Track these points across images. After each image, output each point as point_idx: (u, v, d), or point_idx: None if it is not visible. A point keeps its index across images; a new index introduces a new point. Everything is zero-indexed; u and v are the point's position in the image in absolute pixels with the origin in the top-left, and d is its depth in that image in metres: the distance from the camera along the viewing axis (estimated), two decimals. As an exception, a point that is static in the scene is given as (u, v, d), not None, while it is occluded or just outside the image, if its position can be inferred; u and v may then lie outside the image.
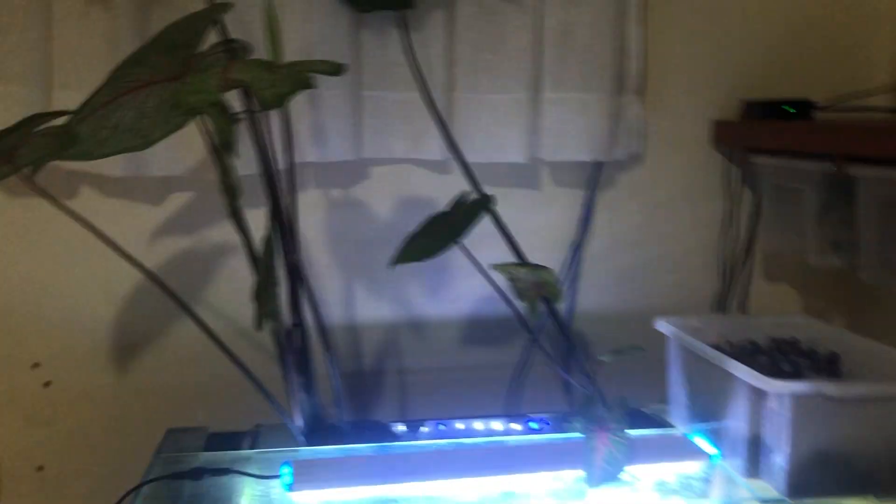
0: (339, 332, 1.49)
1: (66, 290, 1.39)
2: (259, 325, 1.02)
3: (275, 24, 1.12)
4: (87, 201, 1.37)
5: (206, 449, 1.18)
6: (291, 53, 1.28)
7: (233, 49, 1.11)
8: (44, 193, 1.06)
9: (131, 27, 1.25)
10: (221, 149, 0.92)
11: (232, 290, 1.42)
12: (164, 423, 1.32)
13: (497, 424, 1.29)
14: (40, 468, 1.42)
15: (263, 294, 1.00)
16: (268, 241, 1.00)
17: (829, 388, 0.97)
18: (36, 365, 1.40)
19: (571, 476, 1.07)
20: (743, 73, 1.54)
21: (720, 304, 1.58)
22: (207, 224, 1.42)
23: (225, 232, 1.40)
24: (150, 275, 1.13)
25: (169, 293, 1.13)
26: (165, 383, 1.42)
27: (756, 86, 1.53)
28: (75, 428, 1.42)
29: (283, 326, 1.15)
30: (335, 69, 0.89)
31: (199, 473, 1.05)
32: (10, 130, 0.92)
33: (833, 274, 1.50)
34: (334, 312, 1.48)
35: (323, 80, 1.30)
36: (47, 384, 1.41)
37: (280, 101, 0.81)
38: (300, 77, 0.82)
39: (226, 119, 0.86)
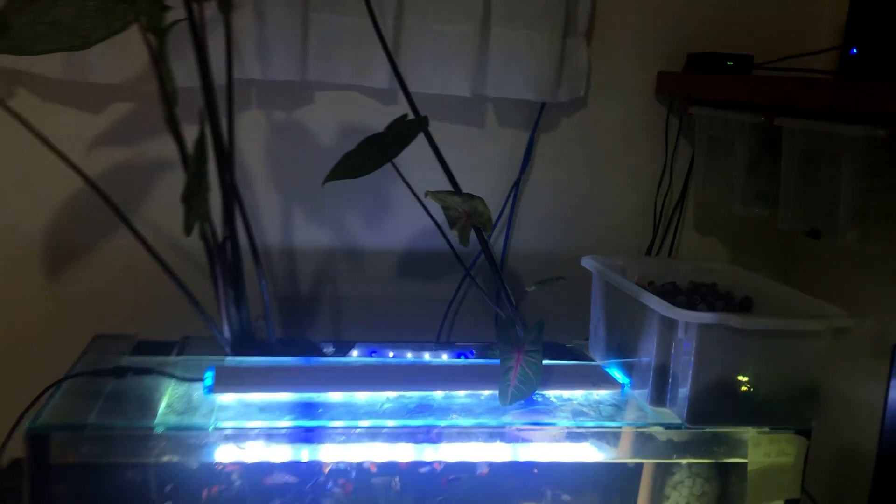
0: (276, 254, 1.51)
1: (3, 198, 1.38)
2: (188, 229, 1.03)
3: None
4: (25, 102, 1.35)
5: (135, 353, 1.19)
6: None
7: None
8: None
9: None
10: (152, 35, 0.91)
11: (168, 205, 1.41)
12: (93, 331, 1.33)
13: (425, 353, 1.32)
14: (-36, 372, 1.42)
15: (193, 198, 1.01)
16: (199, 143, 1.00)
17: (732, 319, 1.02)
18: (-37, 268, 1.39)
19: (486, 394, 1.11)
20: (690, 27, 1.56)
21: (651, 250, 1.63)
22: (146, 137, 1.41)
23: (163, 146, 1.39)
24: (88, 181, 1.13)
25: (106, 200, 1.13)
26: (96, 292, 1.43)
27: (702, 39, 1.56)
28: (4, 331, 1.42)
29: (216, 239, 1.16)
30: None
31: (121, 372, 1.07)
32: None
33: (757, 224, 1.55)
34: (272, 234, 1.50)
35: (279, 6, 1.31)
36: (-25, 287, 1.40)
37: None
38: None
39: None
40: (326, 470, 1.14)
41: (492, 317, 1.58)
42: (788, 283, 1.29)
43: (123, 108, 1.40)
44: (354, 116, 1.49)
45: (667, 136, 1.60)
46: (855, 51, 1.21)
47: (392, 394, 1.10)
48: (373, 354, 1.32)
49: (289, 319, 1.54)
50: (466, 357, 1.33)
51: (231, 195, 1.18)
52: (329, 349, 1.33)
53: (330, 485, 1.16)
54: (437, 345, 1.43)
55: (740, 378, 1.05)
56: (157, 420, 0.97)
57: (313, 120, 1.48)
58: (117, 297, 1.43)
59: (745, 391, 1.06)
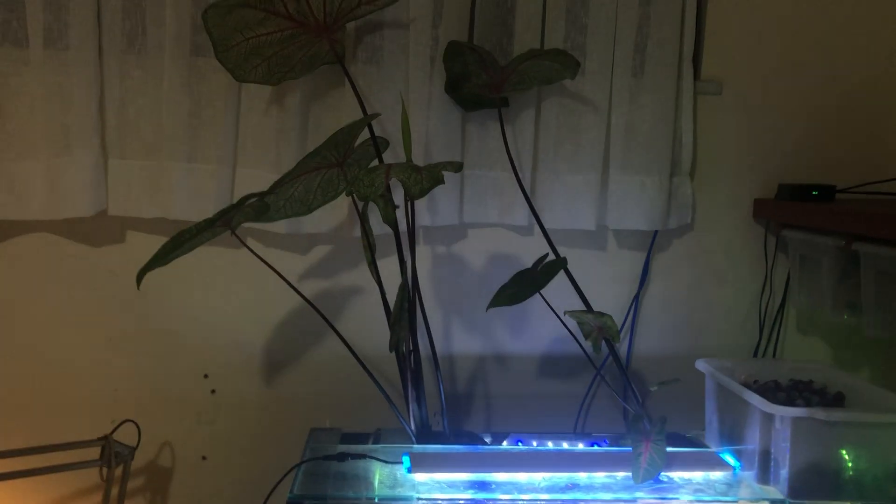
0: (440, 360, 1.86)
1: (232, 316, 1.80)
2: (393, 347, 1.40)
3: (407, 125, 1.51)
4: (252, 248, 1.78)
5: (342, 443, 1.55)
6: (416, 142, 1.67)
7: (376, 143, 1.52)
8: (241, 244, 1.47)
9: (297, 123, 1.67)
10: (387, 223, 1.29)
11: (358, 323, 1.79)
12: (300, 424, 1.71)
13: (564, 442, 1.62)
14: (204, 458, 1.82)
15: (396, 325, 1.37)
16: (402, 287, 1.37)
17: (819, 412, 1.28)
18: (206, 376, 1.81)
19: (622, 475, 1.40)
20: (779, 158, 1.85)
21: (758, 351, 1.88)
22: (341, 270, 1.81)
23: (354, 277, 1.80)
24: (306, 300, 1.52)
25: (321, 315, 1.51)
26: (304, 393, 1.81)
27: (791, 169, 1.85)
28: (233, 427, 1.81)
29: (405, 350, 1.52)
30: (458, 167, 1.26)
31: (343, 457, 1.42)
32: (232, 206, 1.33)
33: (850, 328, 1.79)
34: (436, 344, 1.85)
35: (436, 159, 1.70)
36: (213, 391, 1.81)
37: (423, 194, 1.18)
38: (436, 176, 1.20)
39: (390, 207, 1.24)
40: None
41: (619, 411, 1.87)
42: (878, 380, 1.52)
43: (324, 250, 1.80)
44: (499, 247, 1.84)
45: (766, 251, 1.87)
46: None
47: (546, 475, 1.40)
48: (518, 443, 1.63)
49: (450, 413, 1.88)
50: (602, 445, 1.62)
51: (414, 316, 1.54)
52: (488, 438, 1.65)
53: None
54: (575, 435, 1.73)
55: (832, 460, 1.30)
56: (376, 493, 1.31)
57: (467, 251, 1.85)
58: (320, 397, 1.81)
59: (836, 471, 1.31)
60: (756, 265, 1.88)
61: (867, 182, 1.78)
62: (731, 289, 1.89)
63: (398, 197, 1.60)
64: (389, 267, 1.69)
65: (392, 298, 1.55)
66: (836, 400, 1.48)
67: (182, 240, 1.30)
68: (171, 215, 1.67)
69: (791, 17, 1.82)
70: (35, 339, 1.75)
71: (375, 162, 1.63)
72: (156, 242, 1.71)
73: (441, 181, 1.20)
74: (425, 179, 1.18)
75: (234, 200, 1.69)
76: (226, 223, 1.36)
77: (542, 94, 1.74)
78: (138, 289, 1.32)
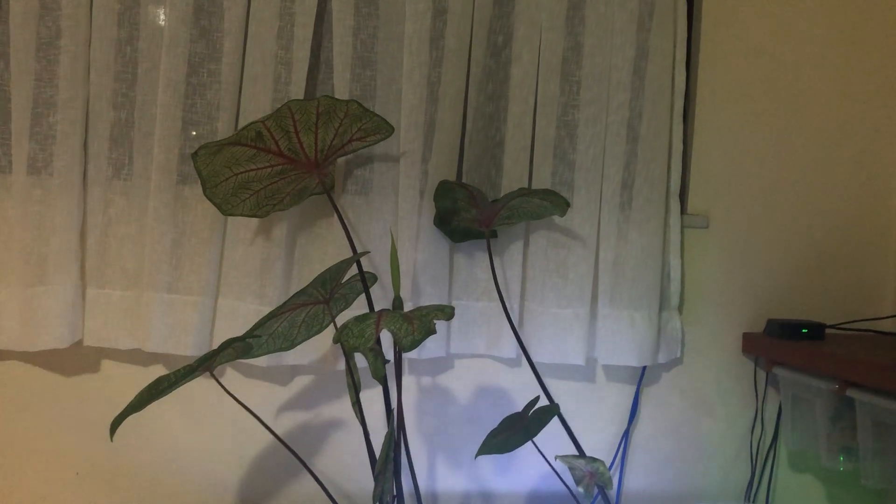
0: (423, 499, 1.78)
1: (206, 452, 1.72)
2: (376, 499, 1.33)
3: (396, 261, 1.49)
4: (231, 381, 1.72)
5: None
6: (404, 274, 1.65)
7: (364, 279, 1.49)
8: (216, 381, 1.41)
9: (283, 253, 1.64)
10: (376, 380, 1.25)
11: (337, 461, 1.72)
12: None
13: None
14: None
15: (381, 475, 1.30)
16: (388, 438, 1.31)
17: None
18: (175, 513, 1.72)
19: None
20: (769, 293, 1.85)
21: (750, 490, 1.82)
22: (322, 403, 1.75)
23: (335, 410, 1.74)
24: (278, 438, 1.45)
25: (299, 460, 1.45)
26: (281, 536, 1.72)
27: (778, 303, 1.84)
28: (202, 569, 1.71)
29: (387, 498, 1.45)
30: (450, 315, 1.23)
31: None
32: (214, 352, 1.28)
33: (846, 472, 1.74)
34: (419, 478, 1.78)
35: (424, 290, 1.67)
36: (183, 530, 1.72)
37: (414, 346, 1.14)
38: (428, 326, 1.16)
39: (380, 361, 1.20)
40: None
41: (610, 552, 1.79)
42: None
43: (306, 380, 1.75)
44: (487, 379, 1.80)
45: (755, 386, 1.84)
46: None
47: None
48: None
49: (432, 555, 1.79)
50: None
51: (399, 462, 1.48)
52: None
53: None
54: (565, 583, 1.65)
55: None
56: None
57: (453, 383, 1.80)
58: (296, 540, 1.72)
59: None
60: (746, 400, 1.85)
61: (857, 319, 1.78)
62: (722, 424, 1.85)
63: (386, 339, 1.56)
64: (373, 398, 1.64)
65: (374, 436, 1.49)
66: (836, 555, 1.42)
67: (160, 388, 1.25)
68: (148, 347, 1.61)
69: (775, 152, 1.85)
70: (3, 470, 1.66)
71: (362, 298, 1.60)
72: (131, 372, 1.67)
73: (433, 332, 1.17)
74: (417, 331, 1.14)
75: (215, 331, 1.65)
76: (206, 369, 1.31)
77: (530, 226, 1.74)
78: (111, 440, 1.25)
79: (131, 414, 1.25)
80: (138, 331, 1.62)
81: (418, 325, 1.16)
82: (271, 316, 1.40)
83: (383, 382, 1.23)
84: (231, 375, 1.73)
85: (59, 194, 1.58)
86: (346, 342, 1.15)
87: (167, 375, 1.27)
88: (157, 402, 1.62)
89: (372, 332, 1.16)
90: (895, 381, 1.35)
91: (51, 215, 1.58)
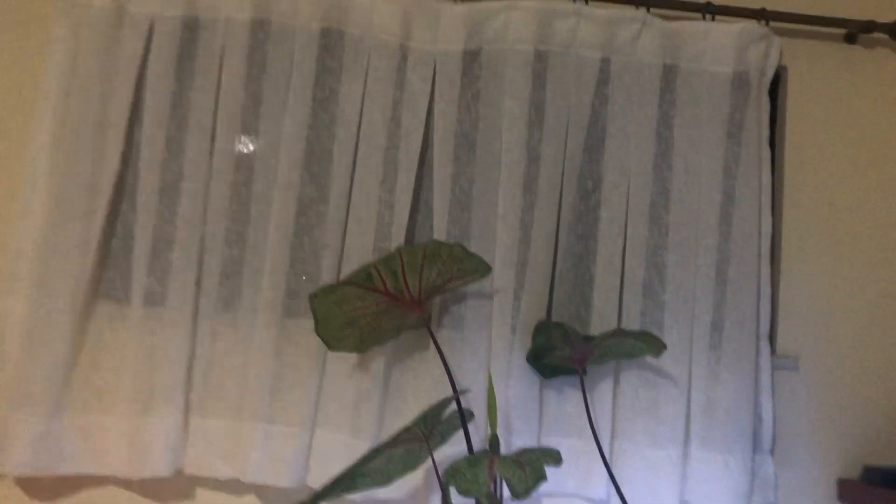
0: None
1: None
2: None
3: (493, 399, 1.52)
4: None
5: None
6: (497, 408, 1.67)
7: (464, 417, 1.51)
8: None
9: (379, 385, 1.68)
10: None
11: None
12: None
13: None
14: None
15: None
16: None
17: None
18: None
19: None
20: (861, 438, 1.82)
21: None
22: (411, 540, 1.74)
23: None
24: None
25: None
26: None
27: (877, 450, 1.81)
28: None
29: None
30: (558, 461, 1.25)
31: None
32: (326, 490, 1.31)
33: None
34: None
35: (514, 426, 1.69)
36: None
37: (528, 494, 1.16)
38: (540, 473, 1.18)
39: (496, 507, 1.22)
40: None
41: None
42: None
43: (395, 516, 1.75)
44: (576, 520, 1.78)
45: (854, 536, 1.78)
46: None
47: None
48: None
49: None
50: None
51: None
52: None
53: None
54: None
55: None
56: None
57: (541, 522, 1.78)
58: None
59: None
60: (844, 551, 1.79)
61: (958, 468, 1.73)
62: (820, 575, 1.78)
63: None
64: (466, 542, 1.63)
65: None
66: None
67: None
68: (246, 477, 1.64)
69: (863, 292, 1.86)
70: None
71: (460, 433, 1.62)
72: (226, 501, 1.69)
73: (544, 478, 1.18)
74: (529, 478, 1.16)
75: (310, 463, 1.67)
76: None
77: (620, 365, 1.76)
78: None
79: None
80: (237, 461, 1.65)
81: (530, 471, 1.18)
82: (377, 452, 1.42)
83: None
84: (321, 508, 1.74)
85: (170, 326, 1.66)
86: (459, 486, 1.17)
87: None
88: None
89: (485, 477, 1.18)
90: None
91: (162, 347, 1.66)
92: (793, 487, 1.80)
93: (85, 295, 1.66)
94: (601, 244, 1.77)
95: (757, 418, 1.77)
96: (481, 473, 1.19)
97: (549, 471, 1.74)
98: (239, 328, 1.70)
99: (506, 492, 1.69)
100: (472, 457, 1.25)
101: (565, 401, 1.76)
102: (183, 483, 1.71)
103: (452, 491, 1.65)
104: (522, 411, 1.71)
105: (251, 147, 1.74)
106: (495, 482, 1.31)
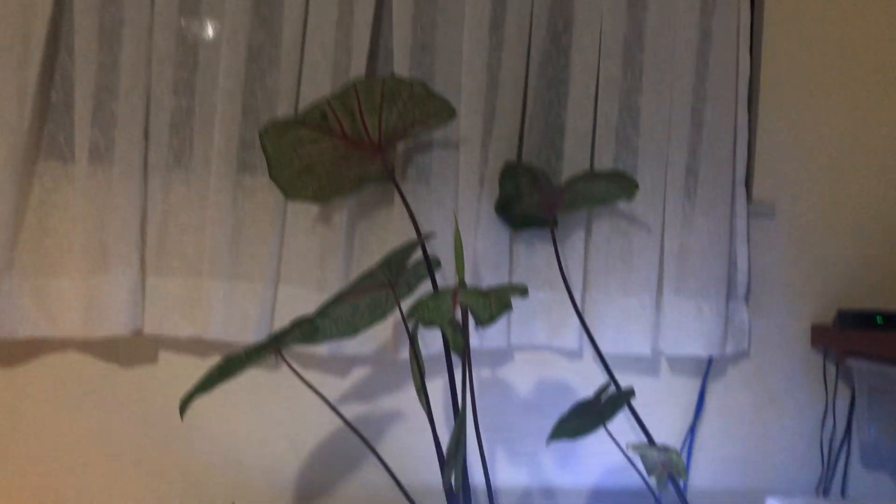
0: (481, 492, 1.74)
1: (263, 441, 1.69)
2: (447, 482, 1.29)
3: (460, 246, 1.46)
4: (289, 374, 1.69)
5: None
6: (465, 261, 1.62)
7: (430, 264, 1.46)
8: (276, 365, 1.39)
9: (343, 241, 1.62)
10: (455, 353, 1.22)
11: (399, 454, 1.69)
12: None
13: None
14: None
15: (453, 458, 1.27)
16: (461, 420, 1.28)
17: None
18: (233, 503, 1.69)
19: None
20: (836, 284, 1.79)
21: (821, 486, 1.76)
22: (381, 395, 1.72)
23: (395, 402, 1.71)
24: (351, 427, 1.42)
25: (367, 444, 1.41)
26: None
27: (849, 294, 1.79)
28: (261, 564, 1.68)
29: (456, 487, 1.41)
30: (524, 292, 1.20)
31: None
32: (285, 330, 1.26)
33: (926, 466, 1.68)
34: (477, 475, 1.73)
35: (484, 279, 1.64)
36: (240, 523, 1.69)
37: (492, 321, 1.11)
38: (505, 301, 1.13)
39: (459, 333, 1.17)
40: None
41: (677, 551, 1.73)
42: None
43: (363, 373, 1.72)
44: (547, 372, 1.76)
45: (825, 380, 1.78)
46: None
47: None
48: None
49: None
50: None
51: (464, 448, 1.44)
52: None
53: None
54: (634, 580, 1.59)
55: None
56: None
57: (513, 376, 1.76)
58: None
59: None
60: (815, 393, 1.79)
61: (931, 309, 1.72)
62: (791, 419, 1.79)
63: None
64: (432, 390, 1.61)
65: (439, 424, 1.46)
66: (926, 548, 1.36)
67: (230, 368, 1.22)
68: (209, 335, 1.59)
69: (843, 137, 1.80)
70: (61, 459, 1.64)
71: (428, 283, 1.57)
72: (189, 363, 1.65)
73: (510, 307, 1.13)
74: (494, 306, 1.11)
75: (275, 320, 1.62)
76: (276, 348, 1.29)
77: (592, 214, 1.70)
78: (182, 419, 1.23)
79: (200, 393, 1.23)
80: (198, 319, 1.60)
81: (495, 299, 1.13)
82: (338, 298, 1.37)
83: (459, 354, 1.19)
84: (288, 368, 1.70)
85: (120, 182, 1.58)
86: (422, 317, 1.12)
87: (238, 355, 1.25)
88: (214, 391, 1.60)
89: (448, 306, 1.13)
90: None
91: (112, 203, 1.58)
92: (766, 334, 1.79)
93: (25, 152, 1.56)
94: (572, 88, 1.69)
95: (731, 265, 1.74)
96: (444, 303, 1.15)
97: (520, 324, 1.71)
98: (192, 183, 1.62)
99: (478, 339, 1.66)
100: (437, 291, 1.20)
101: (535, 254, 1.71)
102: (144, 345, 1.66)
103: (421, 339, 1.61)
104: (491, 263, 1.67)
105: (195, -12, 1.61)
106: (463, 320, 1.26)
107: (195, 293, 1.61)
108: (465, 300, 1.14)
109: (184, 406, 1.22)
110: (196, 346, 1.66)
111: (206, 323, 1.60)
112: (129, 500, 1.65)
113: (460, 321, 1.26)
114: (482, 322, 1.11)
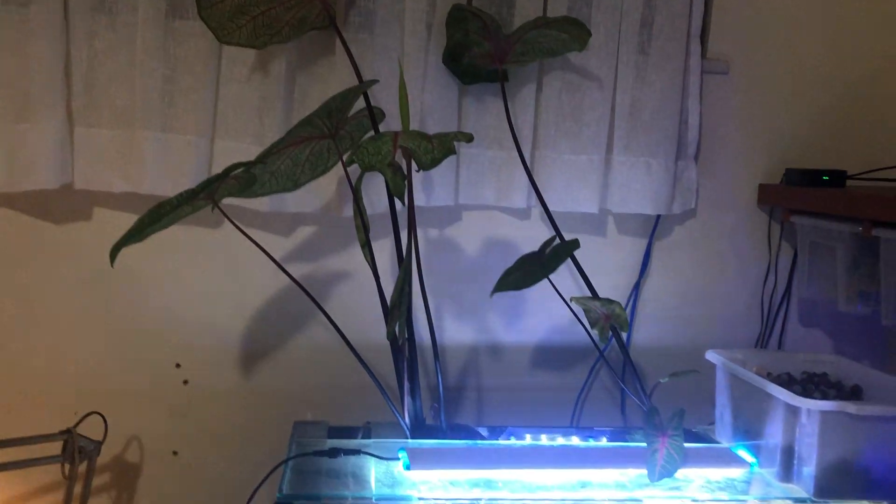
0: (428, 350, 1.75)
1: (207, 300, 1.66)
2: (391, 332, 1.28)
3: (405, 96, 1.40)
4: (231, 231, 1.64)
5: (329, 437, 1.44)
6: (411, 116, 1.56)
7: (372, 113, 1.40)
8: (218, 221, 1.34)
9: (282, 92, 1.54)
10: (396, 196, 1.18)
11: (345, 311, 1.67)
12: (280, 418, 1.59)
13: (562, 438, 1.52)
14: (175, 453, 1.68)
15: (396, 308, 1.26)
16: (405, 269, 1.26)
17: (850, 406, 1.20)
18: (178, 365, 1.67)
19: (634, 473, 1.31)
20: (787, 143, 1.78)
21: (760, 342, 1.81)
22: (327, 254, 1.69)
23: (341, 261, 1.68)
24: (297, 283, 1.40)
25: (313, 300, 1.39)
26: (285, 384, 1.68)
27: (798, 155, 1.78)
28: (207, 420, 1.68)
29: (401, 339, 1.41)
30: (469, 138, 1.16)
31: (335, 453, 1.31)
32: (216, 177, 1.20)
33: (860, 319, 1.72)
34: (424, 333, 1.74)
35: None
36: (186, 382, 1.68)
37: (434, 165, 1.07)
38: (448, 145, 1.09)
39: (399, 177, 1.13)
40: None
41: (616, 404, 1.78)
42: (892, 371, 1.45)
43: (308, 231, 1.68)
44: (495, 231, 1.74)
45: (769, 239, 1.80)
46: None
47: (554, 471, 1.31)
48: (512, 437, 1.52)
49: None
50: (605, 437, 1.52)
51: (410, 302, 1.43)
52: (483, 432, 1.55)
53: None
54: (575, 429, 1.64)
55: (861, 456, 1.22)
56: (374, 492, 1.20)
57: (461, 235, 1.74)
58: (302, 389, 1.68)
59: (865, 468, 1.23)
60: (759, 253, 1.81)
61: (878, 168, 1.72)
62: (734, 277, 1.81)
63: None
64: (379, 250, 1.58)
65: (385, 283, 1.44)
66: (853, 393, 1.41)
67: (161, 213, 1.17)
68: (143, 189, 1.53)
69: (800, -5, 1.75)
70: (-10, 324, 1.60)
71: (371, 134, 1.52)
72: (125, 220, 1.59)
73: (453, 151, 1.09)
74: (437, 149, 1.07)
75: (213, 174, 1.56)
76: (209, 196, 1.24)
77: (543, 68, 1.64)
78: (112, 266, 1.19)
79: (131, 242, 1.18)
80: (132, 172, 1.53)
81: (438, 143, 1.09)
82: (276, 147, 1.31)
83: (403, 200, 1.16)
84: (230, 225, 1.65)
85: (39, 25, 1.46)
86: (362, 160, 1.08)
87: (168, 200, 1.19)
88: (154, 248, 1.54)
89: (389, 148, 1.09)
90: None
91: (32, 48, 1.47)
92: (714, 195, 1.79)
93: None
94: (525, -69, 1.59)
95: (683, 123, 1.70)
96: (385, 145, 1.10)
97: (469, 184, 1.67)
98: (118, 29, 1.51)
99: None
100: (378, 135, 1.15)
101: (485, 111, 1.66)
102: (77, 201, 1.59)
103: (367, 198, 1.57)
104: (439, 119, 1.61)
105: None
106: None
107: (127, 146, 1.53)
108: (406, 142, 1.09)
109: (114, 253, 1.17)
110: (131, 203, 1.59)
111: (140, 177, 1.53)
112: (67, 363, 1.63)
113: (404, 169, 1.22)
114: (424, 166, 1.07)
